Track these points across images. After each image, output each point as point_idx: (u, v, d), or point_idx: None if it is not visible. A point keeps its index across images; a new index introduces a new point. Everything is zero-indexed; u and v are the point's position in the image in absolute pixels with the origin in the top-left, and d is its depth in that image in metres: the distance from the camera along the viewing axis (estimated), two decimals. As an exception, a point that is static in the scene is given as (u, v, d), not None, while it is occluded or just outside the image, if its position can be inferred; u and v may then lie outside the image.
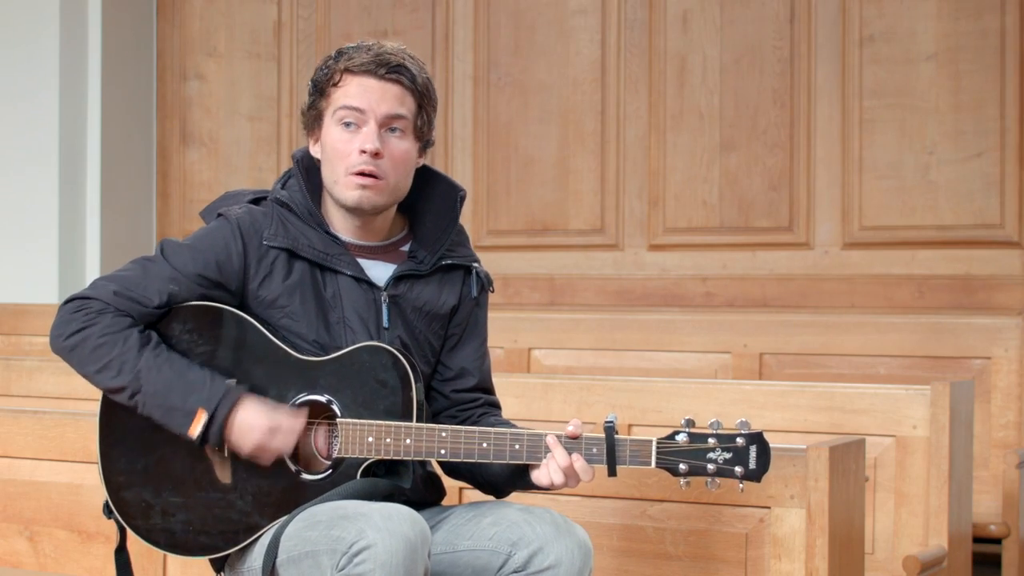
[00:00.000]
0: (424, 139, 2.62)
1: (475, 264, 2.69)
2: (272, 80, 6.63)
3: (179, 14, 6.83)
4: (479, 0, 6.20)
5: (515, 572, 2.43)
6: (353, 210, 2.57)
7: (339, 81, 2.56)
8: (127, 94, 6.73)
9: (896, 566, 3.33)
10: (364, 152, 2.52)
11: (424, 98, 2.59)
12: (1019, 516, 4.10)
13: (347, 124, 2.54)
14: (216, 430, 2.45)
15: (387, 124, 2.55)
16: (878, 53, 5.49)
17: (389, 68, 2.54)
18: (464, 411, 2.68)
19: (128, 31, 6.73)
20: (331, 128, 2.56)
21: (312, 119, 2.61)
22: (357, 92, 2.54)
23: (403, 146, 2.57)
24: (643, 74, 5.89)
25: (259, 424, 2.46)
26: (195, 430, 2.45)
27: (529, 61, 6.10)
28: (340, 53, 2.58)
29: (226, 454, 2.52)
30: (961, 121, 5.35)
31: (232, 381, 2.50)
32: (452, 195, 2.68)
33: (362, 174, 2.52)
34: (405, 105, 2.56)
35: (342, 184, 2.55)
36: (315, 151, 2.63)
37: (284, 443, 2.48)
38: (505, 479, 2.58)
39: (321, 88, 2.58)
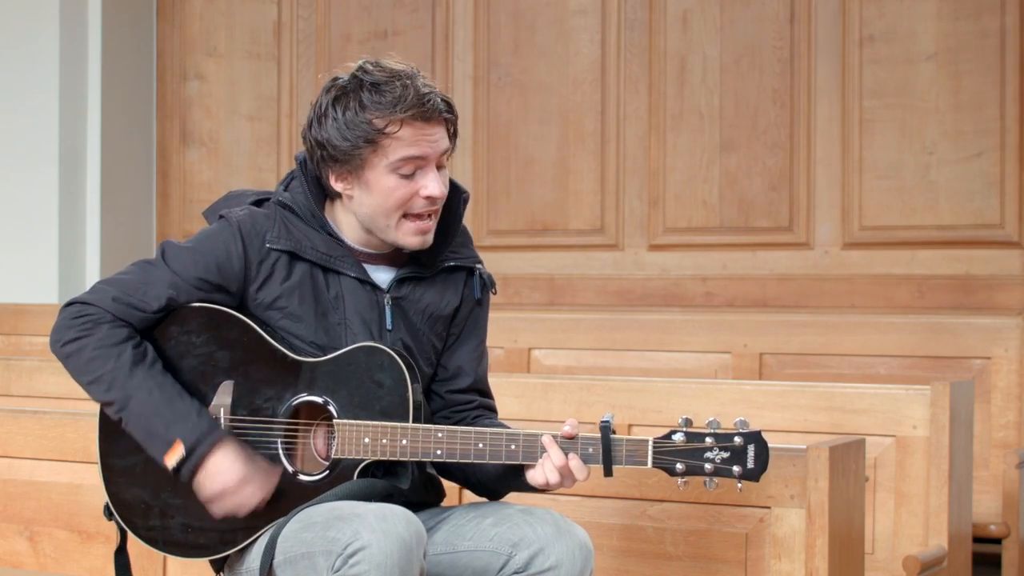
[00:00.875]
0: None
1: (478, 265, 2.69)
2: (272, 80, 6.63)
3: (179, 14, 6.83)
4: (479, 0, 6.20)
5: (516, 573, 2.43)
6: (410, 250, 2.56)
7: (393, 131, 2.45)
8: (127, 94, 6.73)
9: (896, 566, 3.33)
10: (431, 198, 2.49)
11: (454, 126, 2.56)
12: (1019, 516, 4.09)
13: (404, 174, 2.49)
14: (190, 467, 2.46)
15: (440, 164, 2.54)
16: (878, 53, 5.49)
17: (434, 108, 2.47)
18: (458, 412, 2.68)
19: (128, 31, 6.73)
20: (384, 177, 2.48)
21: (351, 163, 2.48)
22: (415, 141, 2.46)
23: (447, 176, 2.56)
24: (643, 74, 5.89)
25: (230, 472, 2.45)
26: (171, 461, 2.46)
27: (529, 61, 6.10)
28: (374, 96, 2.44)
29: None
30: (961, 121, 5.35)
31: (219, 421, 2.50)
32: (455, 197, 2.67)
33: (421, 217, 2.51)
34: (448, 138, 2.54)
35: (400, 229, 2.52)
36: (337, 186, 2.53)
37: (252, 497, 2.47)
38: (500, 480, 2.57)
39: (369, 138, 2.45)
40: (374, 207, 2.51)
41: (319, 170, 2.55)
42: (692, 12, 5.81)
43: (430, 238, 2.55)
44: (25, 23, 6.47)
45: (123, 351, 2.49)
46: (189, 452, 2.45)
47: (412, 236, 2.52)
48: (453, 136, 2.55)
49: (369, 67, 2.50)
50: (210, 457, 2.46)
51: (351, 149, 2.47)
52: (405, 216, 2.51)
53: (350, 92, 2.48)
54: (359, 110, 2.46)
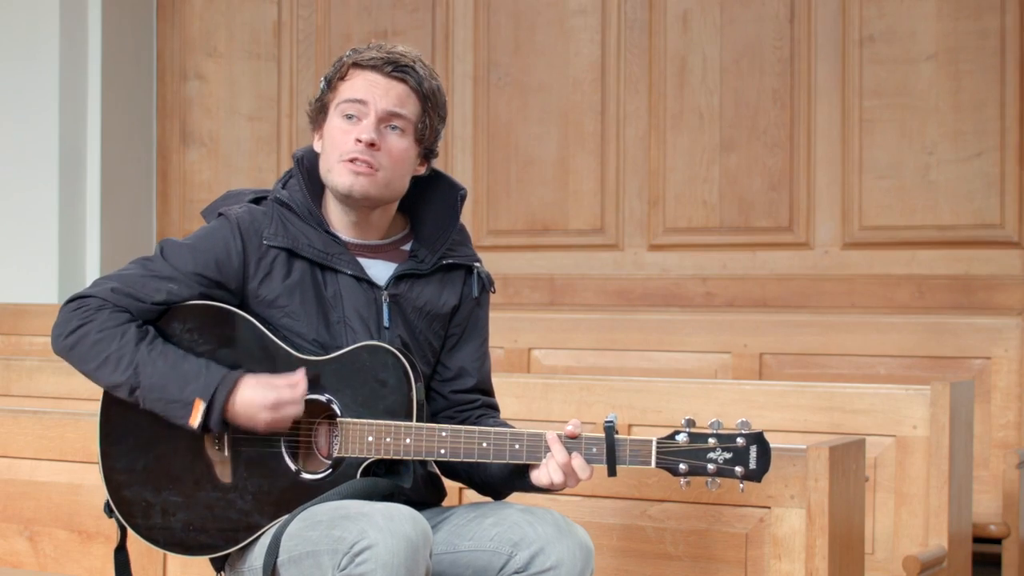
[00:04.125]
0: (426, 144, 2.62)
1: (476, 264, 2.69)
2: (272, 80, 6.63)
3: (179, 14, 6.83)
4: (479, 0, 6.20)
5: (516, 573, 2.43)
6: (345, 199, 2.57)
7: (346, 75, 2.58)
8: (127, 94, 6.73)
9: (896, 566, 3.33)
10: (360, 141, 2.53)
11: (429, 102, 2.59)
12: (1019, 516, 4.10)
13: (349, 116, 2.56)
14: (216, 418, 2.46)
15: (387, 120, 2.56)
16: (878, 53, 5.49)
17: (396, 67, 2.56)
18: (462, 412, 2.68)
19: (128, 32, 6.73)
20: (333, 120, 2.58)
21: (317, 112, 2.63)
22: (362, 86, 2.56)
23: (401, 144, 2.57)
24: (643, 74, 5.90)
25: (263, 402, 2.46)
26: (195, 420, 2.45)
27: (529, 61, 6.11)
28: (353, 50, 2.62)
29: (227, 453, 2.52)
30: (961, 121, 5.35)
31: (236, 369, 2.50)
32: (452, 194, 2.68)
33: (355, 161, 2.53)
34: (407, 106, 2.57)
35: (335, 171, 2.56)
36: (318, 146, 2.64)
37: (293, 411, 2.47)
38: (503, 480, 2.58)
39: (329, 81, 2.61)
40: (324, 152, 2.59)
41: (313, 135, 2.66)
42: (692, 12, 5.82)
43: (365, 185, 2.54)
44: (25, 23, 6.47)
45: (127, 331, 2.50)
46: (209, 405, 2.45)
47: (343, 176, 2.55)
48: (423, 117, 2.58)
49: (374, 42, 2.65)
50: (234, 400, 2.46)
51: (320, 97, 2.63)
52: (342, 160, 2.55)
53: (340, 56, 2.65)
54: (335, 64, 2.62)
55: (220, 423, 2.46)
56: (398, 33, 6.29)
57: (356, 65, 2.58)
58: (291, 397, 2.47)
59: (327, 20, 6.52)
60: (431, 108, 2.60)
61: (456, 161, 6.16)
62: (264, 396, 2.46)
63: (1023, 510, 4.11)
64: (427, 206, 2.67)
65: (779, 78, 5.66)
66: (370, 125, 2.54)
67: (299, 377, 2.49)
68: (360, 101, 2.55)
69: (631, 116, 5.91)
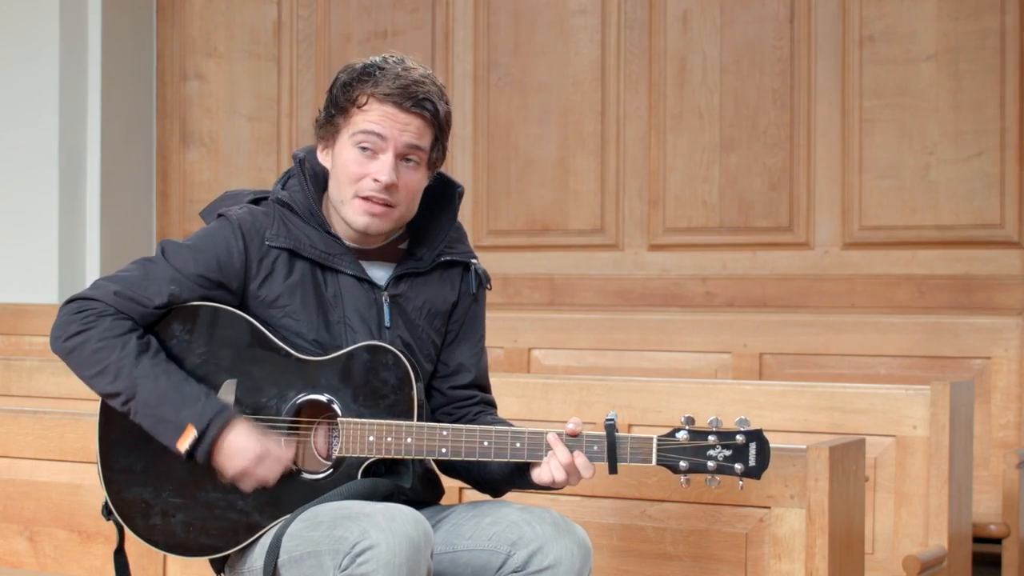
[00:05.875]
0: (436, 167, 2.63)
1: (473, 260, 2.70)
2: (272, 80, 6.63)
3: (179, 14, 6.83)
4: (479, 0, 6.20)
5: (515, 572, 2.43)
6: (362, 236, 2.58)
7: (363, 104, 2.53)
8: (127, 94, 6.73)
9: (896, 566, 3.33)
10: (378, 182, 2.51)
11: (442, 131, 2.59)
12: (1019, 516, 4.09)
13: (364, 148, 2.53)
14: (204, 449, 2.46)
15: (404, 154, 2.54)
16: (878, 53, 5.49)
17: (415, 101, 2.52)
18: (460, 408, 2.68)
19: (128, 31, 6.73)
20: (347, 148, 2.54)
21: (328, 130, 2.59)
22: (378, 119, 2.52)
23: (416, 177, 2.57)
24: (643, 74, 5.89)
25: (248, 450, 2.46)
26: (183, 445, 2.45)
27: (529, 61, 6.11)
28: (367, 73, 2.54)
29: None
30: (961, 121, 5.35)
31: (228, 402, 2.50)
32: (450, 192, 2.68)
33: (372, 201, 2.52)
34: (424, 138, 2.56)
35: (350, 207, 2.54)
36: (324, 159, 2.62)
37: (270, 471, 2.47)
38: (504, 478, 2.58)
39: (342, 105, 2.55)
40: (335, 179, 2.57)
41: (317, 144, 2.62)
42: (692, 12, 5.81)
43: (380, 224, 2.54)
44: (25, 24, 6.47)
45: (127, 341, 2.49)
46: (201, 435, 2.44)
47: (359, 215, 2.54)
48: (436, 144, 2.57)
49: (389, 56, 2.58)
50: (224, 437, 2.46)
51: (330, 116, 2.57)
52: (357, 196, 2.53)
53: (356, 70, 2.56)
54: (349, 83, 2.55)
55: (205, 454, 2.46)
56: (398, 33, 6.29)
57: (374, 96, 2.52)
58: (277, 456, 2.47)
59: (327, 20, 6.52)
60: (443, 136, 2.60)
61: (456, 161, 6.16)
62: (252, 446, 2.46)
63: (1023, 510, 4.11)
64: (425, 204, 2.67)
65: (779, 78, 5.66)
66: (388, 164, 2.51)
67: (289, 447, 2.49)
68: (378, 135, 2.52)
69: (631, 116, 5.91)
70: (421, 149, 2.55)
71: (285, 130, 6.59)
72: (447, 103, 2.60)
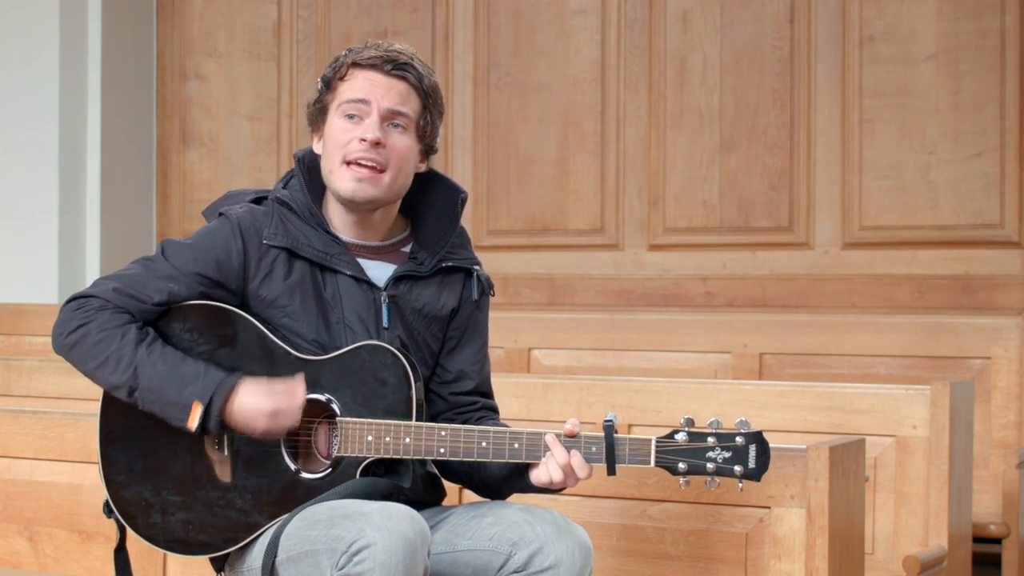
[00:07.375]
0: (427, 141, 2.62)
1: (476, 267, 2.69)
2: (272, 80, 6.63)
3: (179, 14, 6.83)
4: (479, 0, 6.20)
5: (515, 572, 2.43)
6: (348, 203, 2.57)
7: (346, 75, 2.57)
8: (127, 94, 6.73)
9: (896, 566, 3.33)
10: (364, 140, 2.53)
11: (429, 99, 2.60)
12: (1019, 516, 4.10)
13: (350, 116, 2.55)
14: (214, 422, 2.46)
15: (390, 118, 2.56)
16: (878, 53, 5.49)
17: (396, 65, 2.56)
18: (462, 414, 2.68)
19: (128, 31, 6.73)
20: (334, 120, 2.57)
21: (317, 113, 2.62)
22: (362, 85, 2.56)
23: (404, 141, 2.57)
24: (643, 74, 5.90)
25: (260, 409, 2.46)
26: (193, 423, 2.45)
27: (529, 61, 6.11)
28: (350, 49, 2.61)
29: (226, 452, 2.52)
30: (961, 121, 5.35)
31: (234, 373, 2.50)
32: (453, 197, 2.68)
33: (359, 164, 2.53)
34: (409, 103, 2.57)
35: (337, 175, 2.55)
36: (318, 147, 2.63)
37: (290, 420, 2.47)
38: (502, 480, 2.58)
39: (328, 82, 2.60)
40: (326, 153, 2.58)
41: (313, 136, 2.64)
42: (692, 12, 5.82)
43: (368, 189, 2.54)
44: (25, 24, 6.47)
45: (127, 331, 2.49)
46: (207, 408, 2.45)
47: (346, 181, 2.54)
48: (424, 113, 2.58)
49: (370, 41, 2.64)
50: (232, 404, 2.46)
51: (319, 98, 2.61)
52: (344, 162, 2.54)
53: (337, 56, 2.63)
54: (334, 62, 2.61)
55: (218, 426, 2.46)
56: (398, 33, 6.29)
57: (355, 65, 2.57)
58: (289, 406, 2.47)
59: (327, 20, 6.52)
60: (431, 105, 2.61)
61: (456, 161, 6.16)
62: (262, 403, 2.46)
63: (1023, 510, 4.11)
64: (428, 208, 2.67)
65: (779, 78, 5.66)
66: (373, 124, 2.54)
67: (297, 384, 2.49)
68: (362, 100, 2.55)
69: (631, 116, 5.91)
70: (406, 115, 2.57)
71: (285, 130, 6.60)
72: (434, 78, 2.62)
